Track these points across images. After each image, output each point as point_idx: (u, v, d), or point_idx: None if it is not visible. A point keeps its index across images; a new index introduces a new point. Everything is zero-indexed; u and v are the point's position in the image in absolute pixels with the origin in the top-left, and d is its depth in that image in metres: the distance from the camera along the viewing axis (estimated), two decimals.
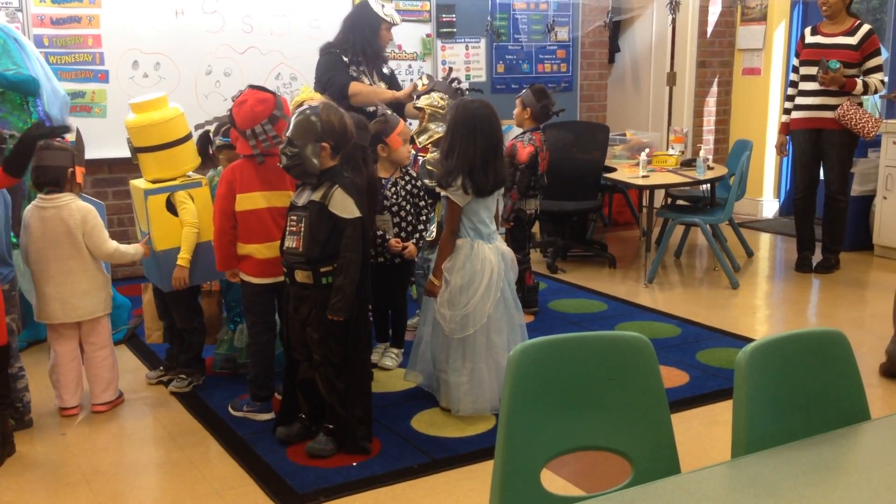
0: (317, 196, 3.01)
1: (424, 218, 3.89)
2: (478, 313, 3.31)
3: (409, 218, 3.85)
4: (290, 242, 3.06)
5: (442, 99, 4.19)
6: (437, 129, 4.08)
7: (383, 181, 3.79)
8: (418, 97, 4.24)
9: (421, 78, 4.44)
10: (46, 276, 3.39)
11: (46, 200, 3.36)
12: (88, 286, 3.44)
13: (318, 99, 3.92)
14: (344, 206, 2.99)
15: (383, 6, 4.42)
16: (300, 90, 4.12)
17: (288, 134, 3.00)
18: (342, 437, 3.12)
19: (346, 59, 4.42)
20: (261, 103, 3.26)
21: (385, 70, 4.58)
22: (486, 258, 3.33)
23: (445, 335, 3.38)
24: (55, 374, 3.50)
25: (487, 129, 3.31)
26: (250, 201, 3.30)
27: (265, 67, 5.74)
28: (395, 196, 3.80)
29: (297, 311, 3.10)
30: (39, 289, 3.43)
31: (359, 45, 4.41)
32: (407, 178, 3.85)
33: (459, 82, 4.35)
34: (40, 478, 3.03)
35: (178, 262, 3.50)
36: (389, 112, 3.84)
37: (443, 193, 3.37)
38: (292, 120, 3.03)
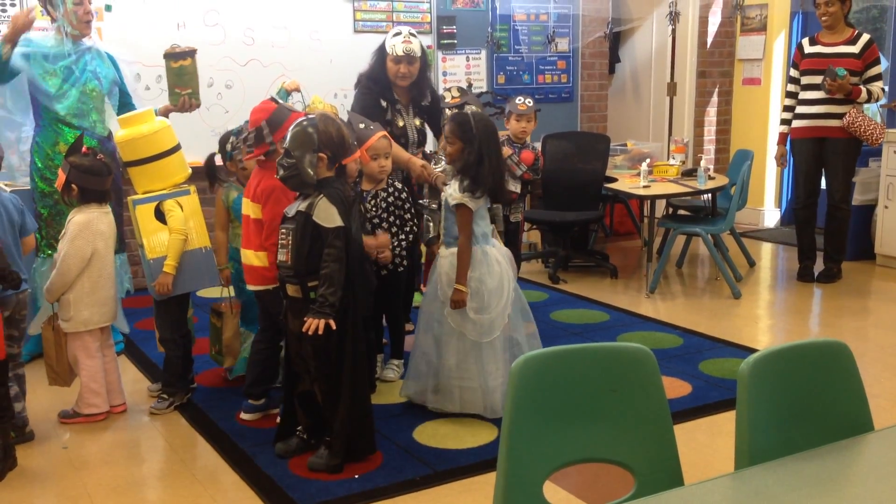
0: (303, 206, 3.01)
1: (408, 229, 3.86)
2: (502, 316, 3.47)
3: (394, 229, 3.82)
4: (281, 256, 3.06)
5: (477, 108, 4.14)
6: None
7: (364, 194, 3.79)
8: (450, 109, 4.15)
9: (450, 90, 4.37)
10: (111, 278, 3.58)
11: (104, 206, 3.55)
12: None
13: (328, 109, 3.92)
14: (327, 214, 2.96)
15: (396, 35, 4.15)
16: (310, 101, 4.07)
17: (285, 145, 3.01)
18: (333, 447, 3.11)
19: (379, 96, 4.17)
20: (259, 111, 3.38)
21: (424, 102, 4.31)
22: (496, 260, 3.48)
23: (464, 342, 3.45)
24: (104, 376, 3.59)
25: (497, 139, 3.57)
26: (245, 206, 3.42)
27: (266, 79, 5.74)
28: (374, 209, 3.79)
29: (292, 324, 3.10)
30: (105, 292, 3.54)
31: (375, 75, 4.20)
32: (390, 189, 3.82)
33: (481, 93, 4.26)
34: (42, 492, 3.02)
35: (164, 268, 3.53)
36: (363, 125, 3.72)
37: (457, 201, 3.43)
38: (289, 131, 3.04)
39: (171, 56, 4.16)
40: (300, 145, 2.97)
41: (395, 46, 4.09)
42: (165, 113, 4.20)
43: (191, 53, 4.16)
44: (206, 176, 3.81)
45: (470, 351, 3.46)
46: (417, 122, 4.28)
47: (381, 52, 4.17)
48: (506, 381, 3.34)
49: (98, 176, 3.48)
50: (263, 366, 3.54)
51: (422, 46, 4.18)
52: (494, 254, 3.48)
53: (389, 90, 4.18)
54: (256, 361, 3.55)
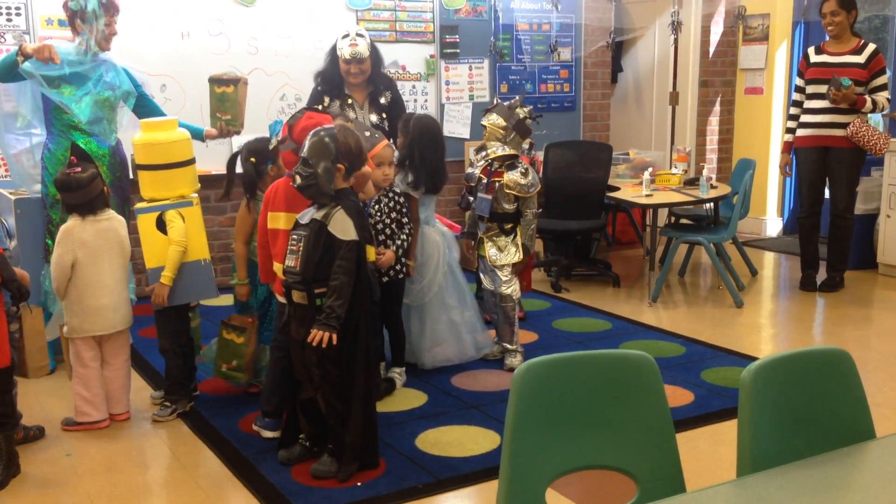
0: (319, 215, 3.02)
1: (405, 235, 3.89)
2: (433, 284, 4.11)
3: (393, 235, 3.87)
4: (289, 261, 3.07)
5: (500, 119, 4.17)
6: (494, 150, 4.20)
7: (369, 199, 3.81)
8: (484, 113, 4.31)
9: (494, 100, 4.49)
10: (102, 287, 3.52)
11: (100, 214, 3.53)
12: (127, 294, 3.66)
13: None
14: (343, 227, 2.98)
15: (345, 37, 4.36)
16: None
17: (303, 154, 3.02)
18: (345, 458, 3.12)
19: (325, 93, 4.41)
20: (313, 127, 3.28)
21: (383, 100, 4.47)
22: (433, 241, 4.12)
23: (406, 304, 4.08)
24: (100, 384, 3.56)
25: (442, 139, 4.10)
26: (275, 220, 3.33)
27: (270, 88, 5.78)
28: (378, 213, 3.84)
29: (296, 331, 3.11)
30: (92, 301, 3.50)
31: (327, 75, 4.45)
32: (391, 195, 3.88)
33: (524, 107, 4.24)
34: (45, 499, 3.03)
35: (161, 279, 3.53)
36: (368, 132, 3.74)
37: (402, 191, 3.92)
38: (307, 140, 3.04)
39: (215, 81, 4.23)
40: (319, 155, 2.98)
41: (343, 50, 4.34)
42: (210, 136, 4.30)
43: (234, 82, 4.21)
44: (245, 188, 3.68)
45: (408, 312, 4.13)
46: (374, 117, 4.45)
47: (334, 52, 4.42)
48: (432, 340, 4.16)
49: (66, 191, 3.46)
50: (274, 373, 3.44)
51: (371, 45, 4.40)
52: (432, 234, 4.13)
53: (341, 87, 4.44)
54: (280, 380, 3.38)
